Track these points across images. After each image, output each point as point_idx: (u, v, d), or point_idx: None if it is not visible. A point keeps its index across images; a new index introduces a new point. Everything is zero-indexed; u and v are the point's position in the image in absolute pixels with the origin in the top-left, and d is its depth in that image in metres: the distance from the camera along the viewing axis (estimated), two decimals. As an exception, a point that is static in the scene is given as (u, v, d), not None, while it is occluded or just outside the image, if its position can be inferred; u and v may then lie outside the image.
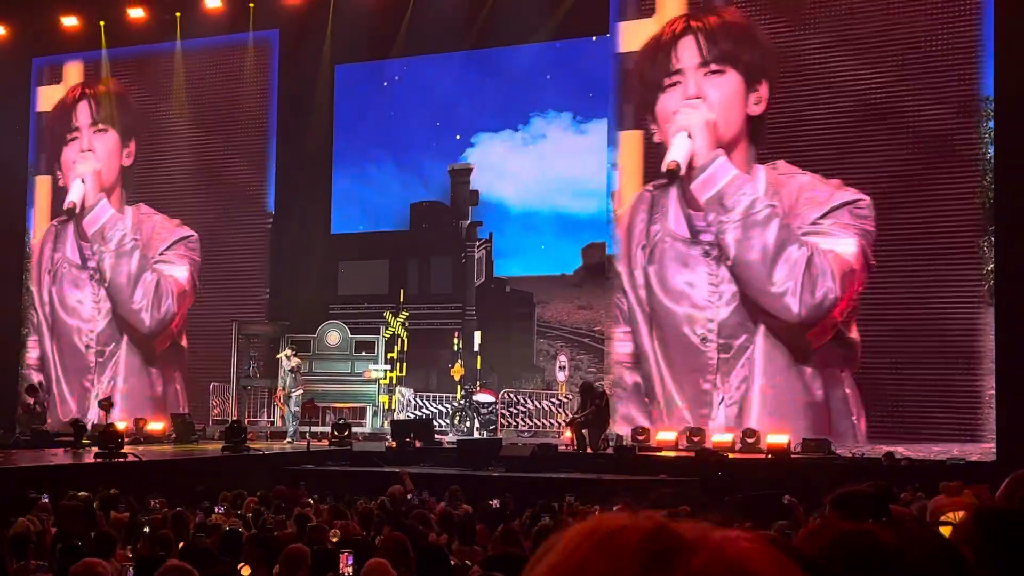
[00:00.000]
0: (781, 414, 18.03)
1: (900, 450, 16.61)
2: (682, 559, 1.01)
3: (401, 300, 23.25)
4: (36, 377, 24.34)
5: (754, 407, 18.35)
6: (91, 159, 24.69)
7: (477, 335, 22.48)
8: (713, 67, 18.91)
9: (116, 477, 13.64)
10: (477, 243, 23.16)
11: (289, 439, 20.18)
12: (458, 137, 23.32)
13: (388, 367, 22.23)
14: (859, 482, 5.71)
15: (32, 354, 25.04)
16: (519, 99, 22.84)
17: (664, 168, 19.27)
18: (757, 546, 1.04)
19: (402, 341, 22.84)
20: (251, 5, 23.58)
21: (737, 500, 12.77)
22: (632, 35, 20.42)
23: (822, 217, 17.96)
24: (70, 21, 24.62)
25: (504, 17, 21.72)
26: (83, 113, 24.96)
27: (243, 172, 24.11)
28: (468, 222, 23.25)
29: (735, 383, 18.60)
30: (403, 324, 22.96)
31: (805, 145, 18.76)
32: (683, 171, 19.16)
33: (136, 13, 24.11)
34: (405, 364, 22.78)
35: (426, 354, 23.20)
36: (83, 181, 24.65)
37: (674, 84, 19.21)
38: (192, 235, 23.85)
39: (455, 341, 22.75)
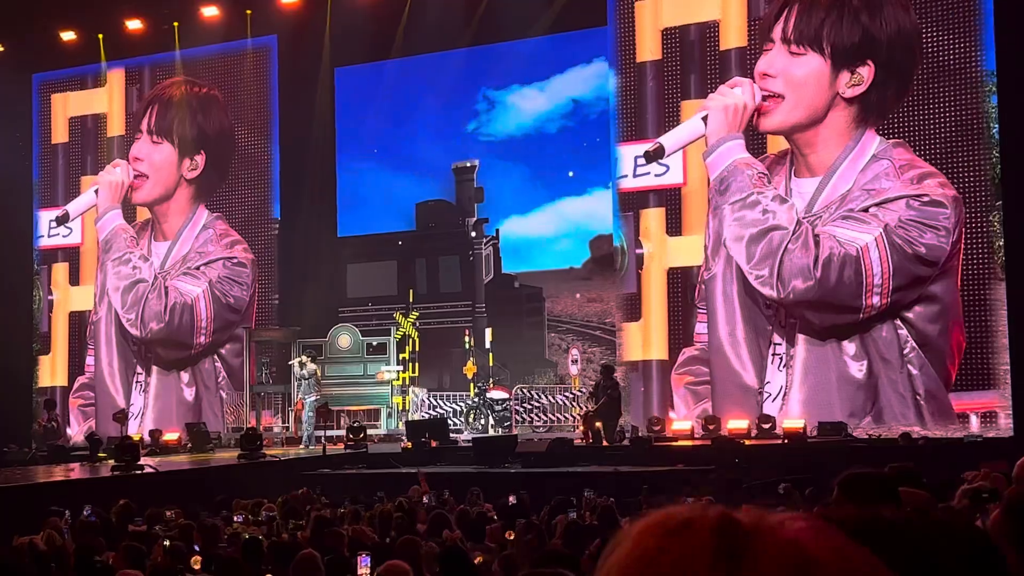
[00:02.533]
0: (818, 399, 17.88)
1: (916, 430, 16.56)
2: (748, 545, 1.06)
3: (410, 300, 23.25)
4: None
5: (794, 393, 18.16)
6: (117, 172, 24.41)
7: (488, 332, 22.47)
8: (793, 47, 18.19)
9: (134, 489, 13.65)
10: (484, 240, 23.15)
11: (304, 445, 20.18)
12: (463, 133, 23.33)
13: (400, 368, 22.23)
14: (876, 464, 5.67)
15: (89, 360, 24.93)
16: (517, 92, 22.85)
17: (650, 148, 19.04)
18: (810, 523, 1.10)
19: (413, 341, 22.83)
20: (248, 12, 23.57)
21: (752, 488, 12.74)
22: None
23: (876, 204, 17.52)
24: (68, 36, 24.65)
25: (501, 12, 21.69)
26: (149, 116, 24.42)
27: (247, 179, 24.11)
28: (474, 219, 23.24)
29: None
30: (413, 324, 22.96)
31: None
32: (667, 154, 19.00)
33: (134, 25, 24.15)
34: (417, 364, 22.78)
35: (438, 353, 23.21)
36: (96, 193, 24.56)
37: (769, 49, 18.47)
38: (234, 256, 23.46)
39: (466, 339, 22.74)
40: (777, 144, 18.85)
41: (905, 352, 17.32)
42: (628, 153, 19.89)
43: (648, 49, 19.90)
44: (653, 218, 19.55)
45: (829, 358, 17.84)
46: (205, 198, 24.02)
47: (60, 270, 25.23)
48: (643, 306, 19.66)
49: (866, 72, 17.78)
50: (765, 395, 18.28)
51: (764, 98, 18.40)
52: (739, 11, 19.30)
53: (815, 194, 18.08)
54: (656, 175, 19.58)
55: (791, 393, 18.08)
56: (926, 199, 17.27)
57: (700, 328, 19.00)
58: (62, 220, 24.92)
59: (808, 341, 17.99)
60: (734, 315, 18.63)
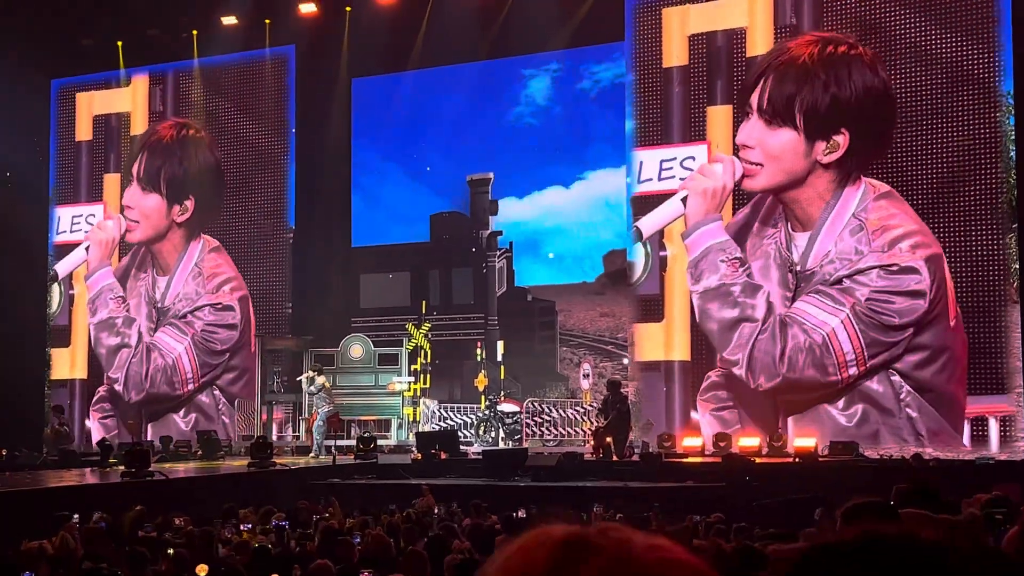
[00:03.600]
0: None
1: (928, 451, 16.49)
2: (588, 559, 1.19)
3: (423, 311, 23.26)
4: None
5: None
6: (109, 226, 24.57)
7: (500, 345, 22.47)
8: (767, 117, 18.22)
9: (143, 496, 13.66)
10: (498, 252, 23.17)
11: (313, 454, 20.19)
12: (476, 147, 23.37)
13: (412, 379, 22.23)
14: (886, 485, 5.64)
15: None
16: (534, 107, 22.89)
17: (631, 229, 19.55)
18: (659, 543, 1.22)
19: (425, 353, 22.83)
20: (267, 21, 23.68)
21: (765, 506, 12.70)
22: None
23: (847, 276, 17.60)
24: (88, 42, 24.81)
25: (518, 27, 21.76)
26: (140, 162, 24.35)
27: (263, 188, 24.19)
28: (488, 232, 23.26)
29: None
30: (426, 335, 22.96)
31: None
32: (645, 237, 19.40)
33: (153, 32, 24.28)
34: (429, 376, 22.77)
35: (449, 365, 23.21)
36: (87, 249, 24.72)
37: (748, 115, 18.59)
38: (219, 302, 23.48)
39: (478, 351, 22.74)
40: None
41: (902, 397, 17.39)
42: (649, 158, 19.99)
43: (675, 55, 20.02)
44: (677, 221, 19.62)
45: (823, 420, 17.93)
46: (198, 233, 24.14)
47: (80, 269, 25.30)
48: (666, 307, 19.75)
49: (841, 139, 17.83)
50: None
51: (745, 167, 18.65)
52: (766, 18, 19.38)
53: (806, 249, 18.19)
54: (680, 178, 19.67)
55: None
56: (895, 268, 17.32)
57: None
58: (52, 279, 25.16)
59: (795, 419, 18.16)
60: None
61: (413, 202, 23.90)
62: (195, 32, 24.24)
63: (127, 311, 24.16)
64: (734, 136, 19.09)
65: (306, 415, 21.37)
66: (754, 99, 18.42)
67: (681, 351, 19.59)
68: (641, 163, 20.18)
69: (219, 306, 23.49)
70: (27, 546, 7.82)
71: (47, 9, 24.00)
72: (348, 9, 23.29)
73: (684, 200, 18.94)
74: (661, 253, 19.79)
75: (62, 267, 25.18)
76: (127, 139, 25.19)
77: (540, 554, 1.21)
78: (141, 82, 25.29)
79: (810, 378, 17.72)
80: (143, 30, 24.29)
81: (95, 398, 24.50)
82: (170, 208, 24.07)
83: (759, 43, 19.35)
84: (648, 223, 19.40)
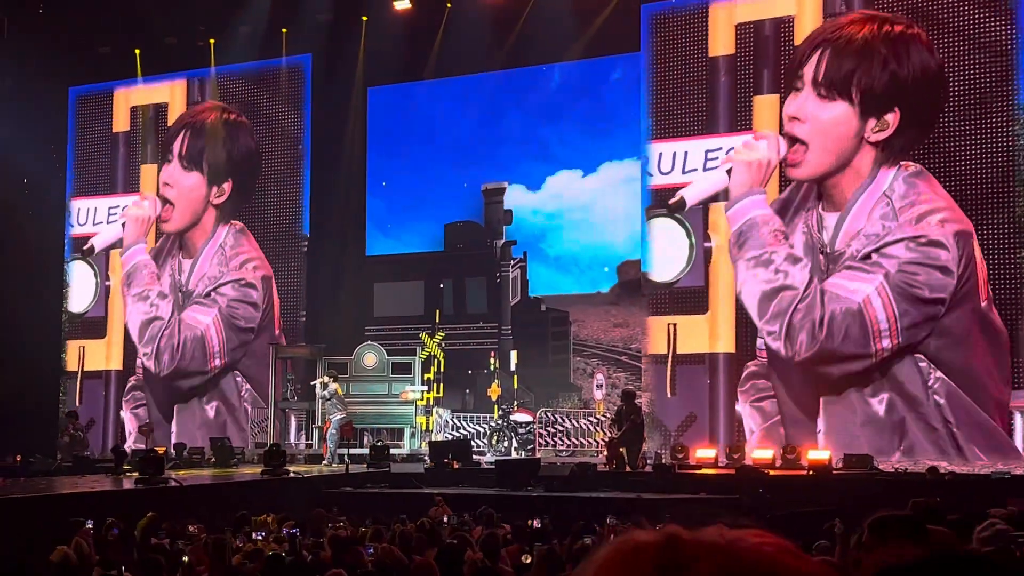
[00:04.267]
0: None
1: (943, 465, 16.41)
2: (691, 564, 1.16)
3: (437, 321, 23.27)
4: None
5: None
6: (145, 205, 24.79)
7: (513, 355, 22.47)
8: (823, 91, 18.39)
9: (157, 502, 13.69)
10: (512, 262, 23.17)
11: (327, 461, 20.17)
12: (490, 157, 23.39)
13: (425, 388, 22.23)
14: (899, 498, 5.63)
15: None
16: (550, 117, 22.90)
17: (672, 201, 19.39)
18: (764, 540, 1.19)
19: (438, 362, 22.83)
20: (284, 30, 23.77)
21: (778, 518, 12.64)
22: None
23: (875, 250, 17.74)
24: (106, 50, 24.95)
25: (534, 37, 21.79)
26: (181, 141, 24.72)
27: (278, 196, 24.27)
28: (502, 241, 23.27)
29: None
30: (439, 345, 22.96)
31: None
32: (688, 207, 19.44)
33: (171, 40, 24.41)
34: (442, 385, 22.77)
35: (463, 374, 23.21)
36: (123, 226, 24.88)
37: (799, 89, 18.70)
38: (242, 278, 23.83)
39: (491, 361, 22.73)
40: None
41: (930, 384, 17.31)
42: (668, 151, 20.15)
43: (721, 44, 20.05)
44: (722, 212, 19.62)
45: (854, 405, 17.88)
46: (228, 219, 24.32)
47: (116, 256, 25.45)
48: (711, 299, 19.78)
49: (892, 118, 18.00)
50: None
51: (791, 144, 18.60)
52: (814, 7, 19.33)
53: (835, 230, 18.24)
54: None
55: (819, 436, 18.19)
56: (923, 240, 17.39)
57: (759, 343, 19.13)
58: (87, 253, 25.25)
59: (827, 401, 18.11)
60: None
61: (427, 211, 23.93)
62: (212, 40, 24.34)
63: (160, 286, 24.41)
64: (780, 126, 19.06)
65: (319, 423, 21.37)
66: (807, 72, 18.51)
67: (726, 343, 19.60)
68: (660, 155, 20.28)
69: (241, 282, 23.81)
70: (59, 553, 7.80)
71: (65, 18, 24.15)
72: (364, 18, 23.36)
73: (729, 172, 19.06)
74: (706, 244, 19.84)
75: (98, 241, 25.34)
76: (164, 130, 25.29)
77: (642, 559, 1.19)
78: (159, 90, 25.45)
79: (846, 349, 17.79)
80: (160, 38, 24.40)
81: (127, 387, 24.76)
82: (209, 189, 24.34)
83: (807, 32, 19.24)
84: (692, 192, 19.44)
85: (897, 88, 18.00)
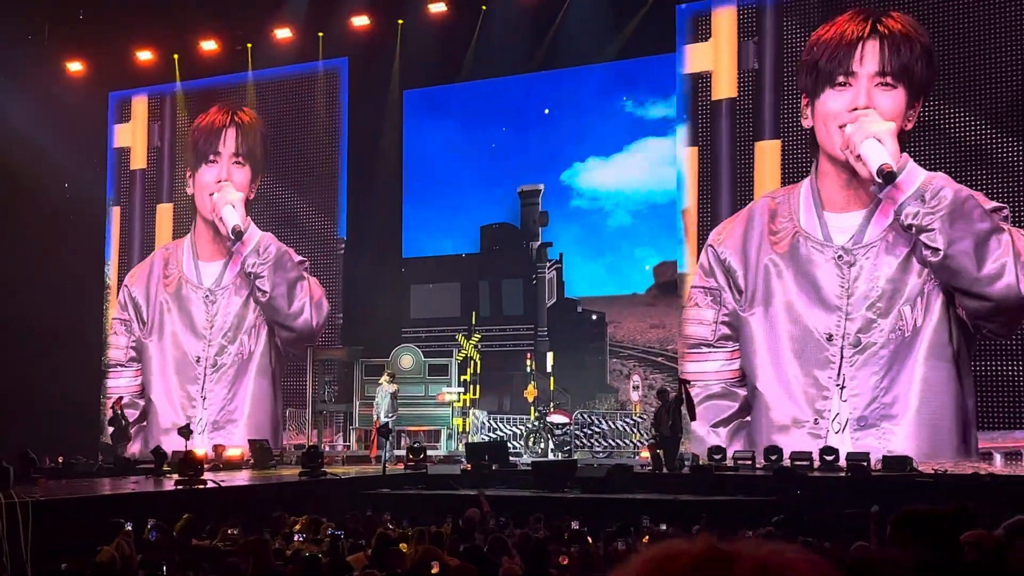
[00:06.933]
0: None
1: (984, 467, 16.26)
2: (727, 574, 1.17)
3: (473, 322, 23.32)
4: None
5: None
6: (231, 188, 24.87)
7: (550, 356, 22.47)
8: (889, 80, 18.42)
9: (197, 503, 13.81)
10: (548, 264, 23.17)
11: (387, 456, 20.02)
12: (527, 158, 23.41)
13: (462, 390, 22.28)
14: (936, 502, 5.56)
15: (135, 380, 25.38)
16: (585, 118, 22.89)
17: (877, 171, 18.14)
18: (800, 556, 1.19)
19: (475, 363, 22.88)
20: (320, 34, 23.92)
21: (817, 518, 12.58)
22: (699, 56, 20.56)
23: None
24: (145, 55, 25.20)
25: (570, 37, 21.81)
26: (230, 140, 24.91)
27: (314, 199, 24.42)
28: (538, 243, 23.27)
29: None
30: (476, 346, 23.01)
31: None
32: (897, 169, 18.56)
33: (209, 45, 24.64)
34: (478, 386, 22.81)
35: (499, 376, 23.23)
36: (234, 206, 24.76)
37: (845, 85, 18.68)
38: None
39: (528, 363, 22.75)
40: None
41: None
42: None
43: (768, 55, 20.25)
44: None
45: (948, 382, 17.73)
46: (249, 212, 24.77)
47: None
48: None
49: (917, 105, 18.33)
50: (825, 428, 18.19)
51: None
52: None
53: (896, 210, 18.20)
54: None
55: (902, 420, 17.96)
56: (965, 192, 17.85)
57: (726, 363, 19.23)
58: (238, 235, 24.61)
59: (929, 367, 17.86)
60: (779, 351, 18.92)
61: (463, 213, 23.98)
62: (249, 45, 24.54)
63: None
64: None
65: (381, 419, 21.19)
66: (868, 64, 18.50)
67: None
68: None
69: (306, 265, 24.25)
70: (105, 553, 7.90)
71: (105, 23, 24.41)
72: (400, 22, 23.48)
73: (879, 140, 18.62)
74: None
75: (236, 220, 24.62)
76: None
77: (677, 566, 1.19)
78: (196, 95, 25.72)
79: None
80: (198, 43, 24.63)
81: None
82: (252, 183, 24.73)
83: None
84: (886, 159, 18.18)
85: (931, 78, 18.34)
